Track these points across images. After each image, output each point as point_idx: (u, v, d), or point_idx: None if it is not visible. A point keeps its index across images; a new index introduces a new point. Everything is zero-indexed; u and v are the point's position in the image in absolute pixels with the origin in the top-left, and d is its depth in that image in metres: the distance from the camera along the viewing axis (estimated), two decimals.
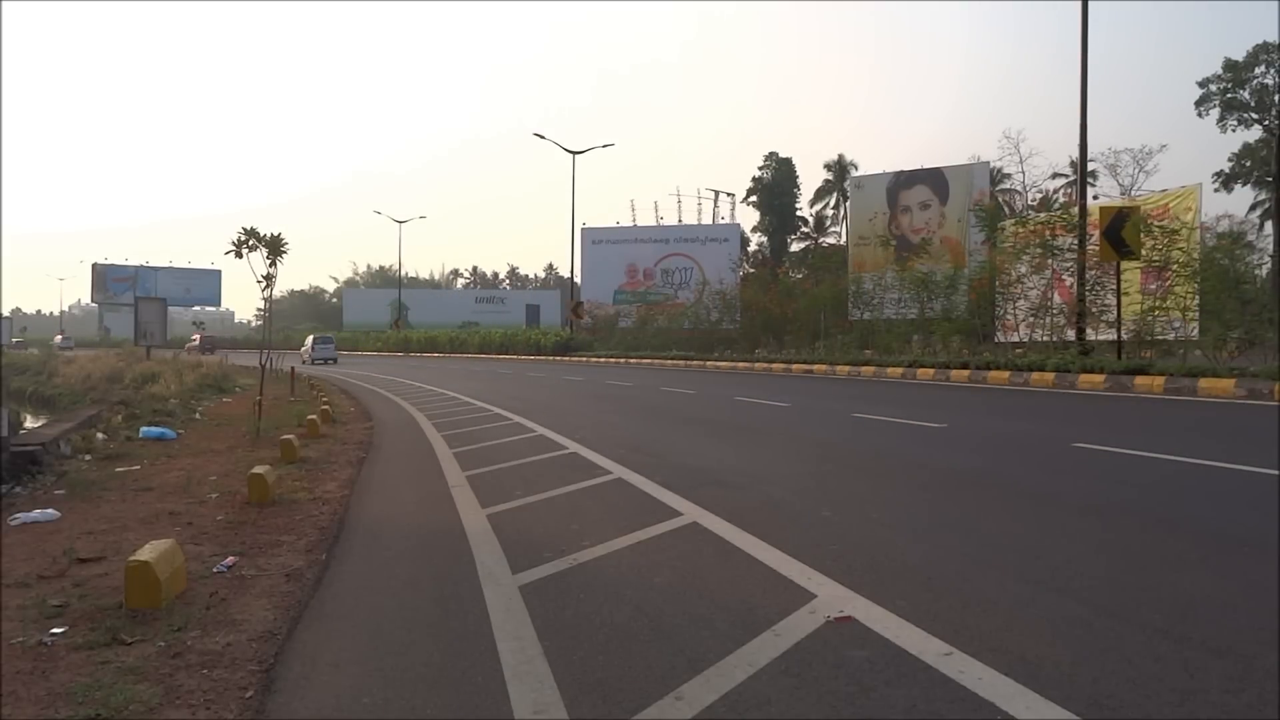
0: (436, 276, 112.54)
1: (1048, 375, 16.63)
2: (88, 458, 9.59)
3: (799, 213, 67.53)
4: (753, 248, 68.27)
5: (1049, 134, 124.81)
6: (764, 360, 29.06)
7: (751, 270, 54.47)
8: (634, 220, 62.12)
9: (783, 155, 65.97)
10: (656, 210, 63.73)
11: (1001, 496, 6.27)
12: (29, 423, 16.11)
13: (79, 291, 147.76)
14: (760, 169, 66.12)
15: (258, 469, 7.14)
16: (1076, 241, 19.77)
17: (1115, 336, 18.56)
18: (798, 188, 66.58)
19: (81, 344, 65.31)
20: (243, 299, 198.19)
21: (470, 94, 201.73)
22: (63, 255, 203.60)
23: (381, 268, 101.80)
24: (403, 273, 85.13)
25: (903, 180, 42.55)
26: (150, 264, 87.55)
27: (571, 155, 45.66)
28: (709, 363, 31.12)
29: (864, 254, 40.61)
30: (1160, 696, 2.78)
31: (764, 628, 3.51)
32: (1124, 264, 18.13)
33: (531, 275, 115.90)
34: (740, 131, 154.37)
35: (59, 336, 70.26)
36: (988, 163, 43.60)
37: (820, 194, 66.71)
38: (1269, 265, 31.49)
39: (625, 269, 59.64)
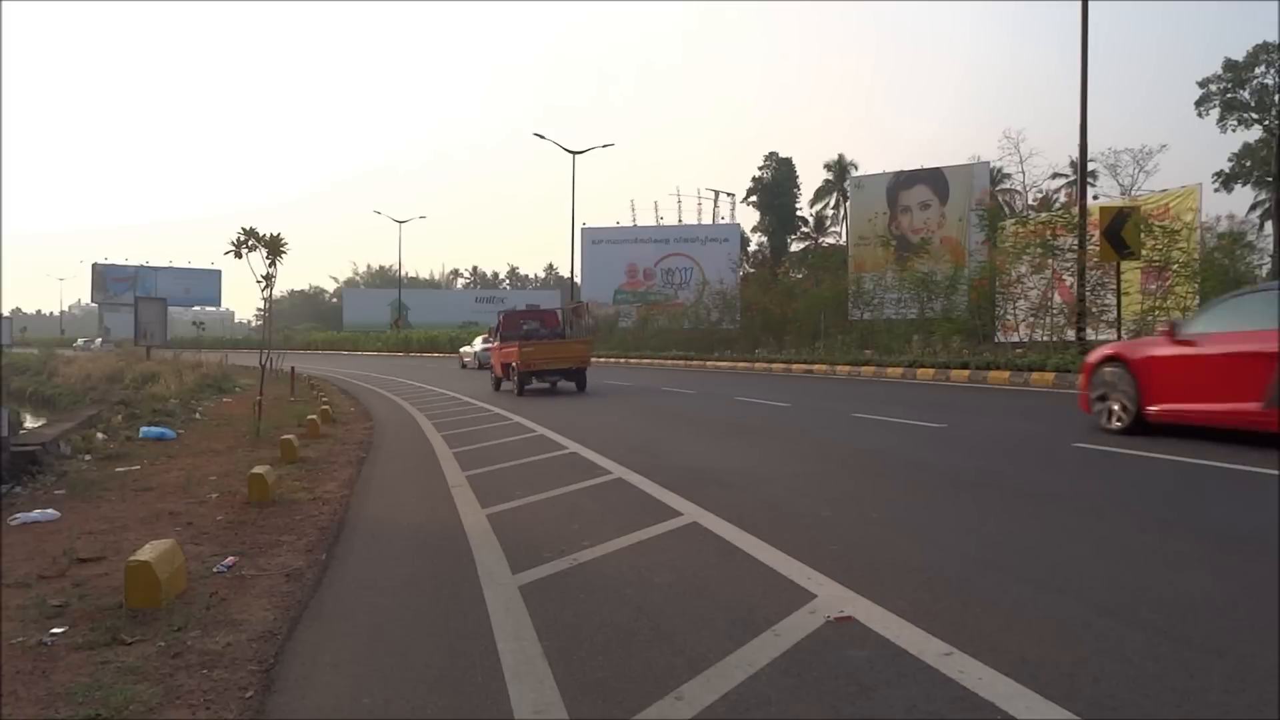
0: (436, 276, 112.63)
1: (1048, 375, 16.62)
2: (88, 458, 9.59)
3: (799, 213, 67.48)
4: (753, 248, 68.24)
5: (1049, 134, 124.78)
6: (764, 360, 29.05)
7: (751, 270, 54.48)
8: (634, 220, 62.08)
9: (783, 155, 65.90)
10: (656, 210, 63.66)
11: (1001, 496, 6.27)
12: (29, 423, 16.09)
13: (79, 291, 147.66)
14: (760, 169, 66.07)
15: (258, 469, 7.15)
16: (1076, 241, 19.77)
17: (1115, 336, 18.56)
18: (798, 188, 66.53)
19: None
20: (243, 299, 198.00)
21: (471, 94, 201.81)
22: (63, 255, 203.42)
23: (381, 268, 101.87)
24: (403, 273, 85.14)
25: (903, 180, 42.54)
26: (150, 264, 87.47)
27: (571, 155, 45.61)
28: (709, 363, 31.12)
29: (864, 254, 40.61)
30: (1160, 696, 2.78)
31: (764, 628, 3.51)
32: (1124, 264, 18.13)
33: (531, 275, 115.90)
34: (740, 131, 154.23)
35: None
36: (988, 163, 43.59)
37: (820, 194, 66.70)
38: (1269, 265, 31.50)
39: (625, 269, 59.58)
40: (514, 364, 18.46)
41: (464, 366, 35.22)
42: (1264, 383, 7.25)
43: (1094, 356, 9.56)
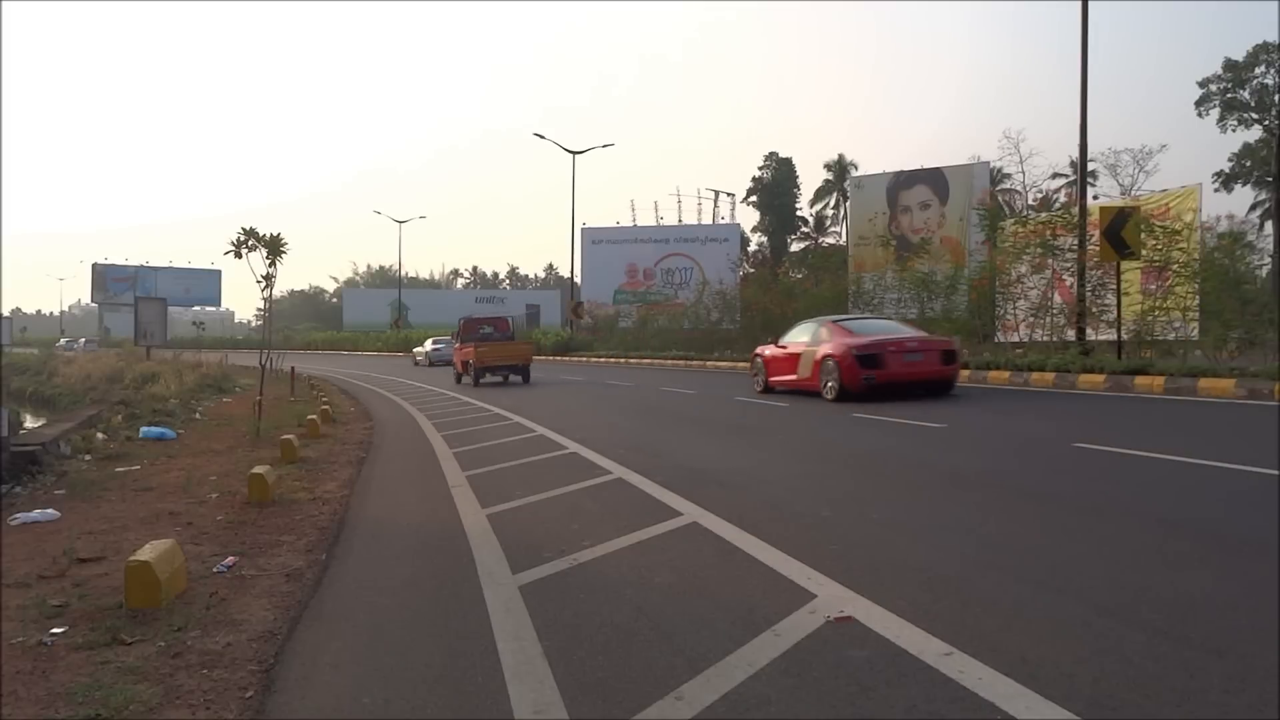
0: (436, 276, 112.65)
1: (1048, 375, 16.61)
2: (88, 458, 9.59)
3: (799, 213, 67.55)
4: (753, 248, 68.26)
5: (1049, 134, 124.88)
6: None
7: (751, 270, 54.44)
8: (634, 220, 62.04)
9: (783, 155, 66.07)
10: (656, 210, 63.59)
11: (1001, 496, 6.27)
12: (29, 423, 16.10)
13: (79, 291, 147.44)
14: (760, 169, 66.16)
15: (258, 469, 7.15)
16: (1076, 241, 19.75)
17: (1115, 336, 18.54)
18: (798, 188, 66.61)
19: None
20: (243, 299, 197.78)
21: (471, 94, 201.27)
22: (63, 255, 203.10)
23: (381, 268, 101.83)
24: (403, 273, 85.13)
25: (903, 180, 42.49)
26: (150, 264, 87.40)
27: (571, 155, 45.63)
28: (709, 363, 31.11)
29: (864, 254, 40.56)
30: (1160, 696, 2.78)
31: (764, 628, 3.51)
32: (1124, 264, 18.12)
33: (531, 275, 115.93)
34: (740, 131, 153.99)
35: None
36: (988, 163, 43.53)
37: (820, 194, 66.74)
38: (1269, 265, 31.50)
39: (625, 269, 59.56)
40: (470, 361, 22.13)
41: (416, 364, 39.06)
42: (797, 365, 14.61)
43: (753, 353, 17.03)
